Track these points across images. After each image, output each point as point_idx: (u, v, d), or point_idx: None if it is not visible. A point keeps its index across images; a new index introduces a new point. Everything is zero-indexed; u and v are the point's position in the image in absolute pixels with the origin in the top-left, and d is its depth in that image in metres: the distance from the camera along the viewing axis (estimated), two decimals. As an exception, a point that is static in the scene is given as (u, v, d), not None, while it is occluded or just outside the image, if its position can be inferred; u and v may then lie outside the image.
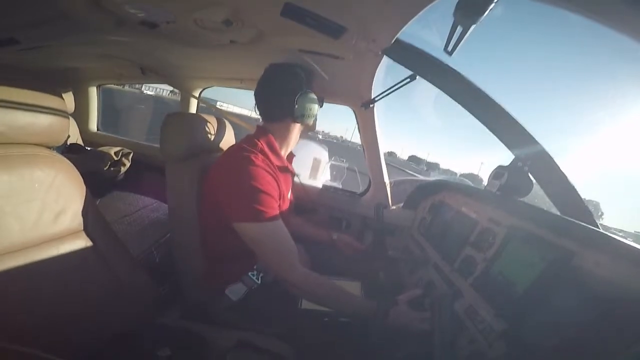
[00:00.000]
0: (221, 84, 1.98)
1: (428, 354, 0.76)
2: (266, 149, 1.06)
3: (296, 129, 1.15)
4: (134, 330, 0.89)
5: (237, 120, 1.86)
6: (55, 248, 0.75)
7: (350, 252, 1.41)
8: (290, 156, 1.26)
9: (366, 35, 0.96)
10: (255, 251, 0.97)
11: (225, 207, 0.97)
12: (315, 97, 1.12)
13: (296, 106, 1.06)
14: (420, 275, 1.21)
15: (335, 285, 0.98)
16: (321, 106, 1.19)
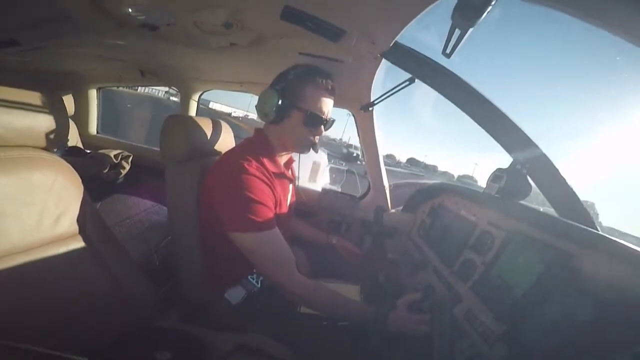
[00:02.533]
0: (221, 86, 1.98)
1: (428, 357, 0.76)
2: (261, 155, 1.04)
3: (285, 131, 1.08)
4: (133, 333, 0.89)
5: (236, 122, 1.87)
6: (55, 250, 0.75)
7: (349, 256, 1.41)
8: (290, 161, 1.25)
9: (365, 39, 0.96)
10: (252, 261, 0.97)
11: (221, 215, 0.96)
12: (273, 92, 1.01)
13: (257, 105, 1.06)
14: (419, 278, 1.21)
15: (334, 292, 0.97)
16: (327, 126, 1.13)
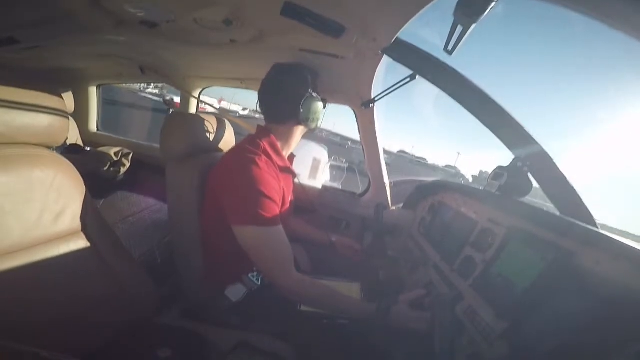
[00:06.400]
0: (221, 83, 1.98)
1: (428, 355, 0.76)
2: (269, 150, 1.05)
3: (299, 131, 1.14)
4: (134, 330, 0.89)
5: (238, 121, 1.87)
6: (56, 248, 0.75)
7: (349, 254, 1.41)
8: (291, 157, 1.25)
9: (366, 35, 0.95)
10: (251, 255, 0.96)
11: (226, 208, 0.96)
12: (320, 100, 1.12)
13: (302, 110, 1.06)
14: (420, 275, 1.21)
15: (332, 290, 0.97)
16: (324, 107, 1.18)
